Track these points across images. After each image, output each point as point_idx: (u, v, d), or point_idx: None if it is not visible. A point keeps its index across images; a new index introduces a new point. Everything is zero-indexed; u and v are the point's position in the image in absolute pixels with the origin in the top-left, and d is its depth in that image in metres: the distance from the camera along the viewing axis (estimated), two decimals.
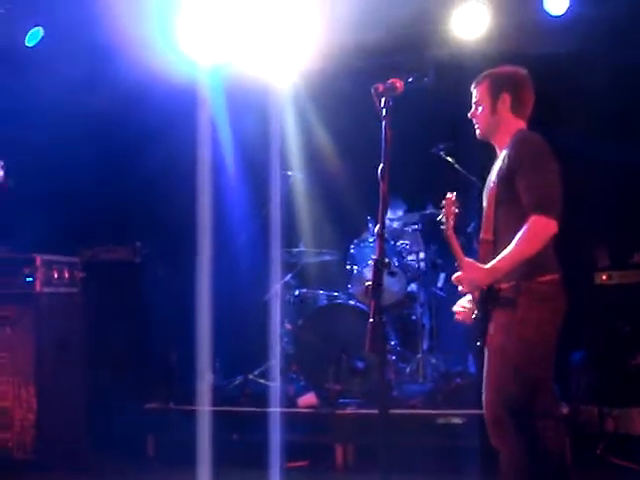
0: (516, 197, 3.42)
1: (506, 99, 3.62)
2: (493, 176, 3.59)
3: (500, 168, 3.52)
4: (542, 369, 3.42)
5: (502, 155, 3.57)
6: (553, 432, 3.41)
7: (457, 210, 3.63)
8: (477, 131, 3.74)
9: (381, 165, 3.13)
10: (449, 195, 3.67)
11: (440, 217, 3.65)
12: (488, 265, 3.40)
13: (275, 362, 6.33)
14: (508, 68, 3.74)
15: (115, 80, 6.16)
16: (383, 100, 3.27)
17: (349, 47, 6.44)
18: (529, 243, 3.32)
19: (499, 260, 3.36)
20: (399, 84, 3.32)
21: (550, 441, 3.39)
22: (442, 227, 3.63)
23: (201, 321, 6.37)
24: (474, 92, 3.74)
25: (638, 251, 5.45)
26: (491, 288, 3.44)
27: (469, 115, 3.75)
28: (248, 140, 7.01)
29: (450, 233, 3.59)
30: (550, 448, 3.39)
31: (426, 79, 6.63)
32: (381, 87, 3.30)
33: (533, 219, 3.31)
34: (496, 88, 3.65)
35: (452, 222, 3.61)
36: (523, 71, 3.72)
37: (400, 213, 6.91)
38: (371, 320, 2.88)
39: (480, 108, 3.68)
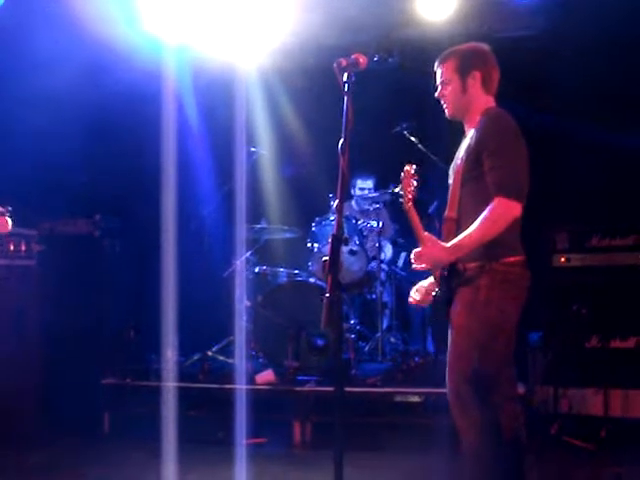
0: (482, 176, 3.39)
1: (477, 76, 3.55)
2: (461, 153, 3.55)
3: (468, 146, 3.49)
4: (505, 348, 3.42)
5: (470, 133, 3.53)
6: (510, 411, 3.43)
7: (416, 182, 3.59)
8: (446, 111, 3.65)
9: (341, 140, 3.09)
10: (407, 167, 3.63)
11: (398, 189, 3.61)
12: (449, 243, 3.38)
13: (234, 339, 6.32)
14: (473, 45, 3.66)
15: (78, 58, 6.05)
16: (345, 75, 3.22)
17: (316, 25, 6.40)
18: (492, 224, 3.31)
19: (460, 239, 3.34)
20: (362, 59, 3.25)
21: (507, 420, 3.40)
22: (401, 200, 3.58)
23: (161, 297, 6.36)
24: (439, 71, 3.64)
25: (597, 234, 5.49)
26: (455, 267, 3.42)
27: (436, 95, 3.66)
28: (213, 117, 6.97)
29: (409, 206, 3.55)
30: (507, 427, 3.41)
31: (391, 59, 6.64)
32: (344, 62, 3.23)
33: (497, 200, 3.29)
34: (465, 65, 3.57)
35: (411, 195, 3.57)
36: (486, 47, 3.65)
37: (370, 185, 6.94)
38: (327, 295, 2.86)
39: (449, 87, 3.59)
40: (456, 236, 3.41)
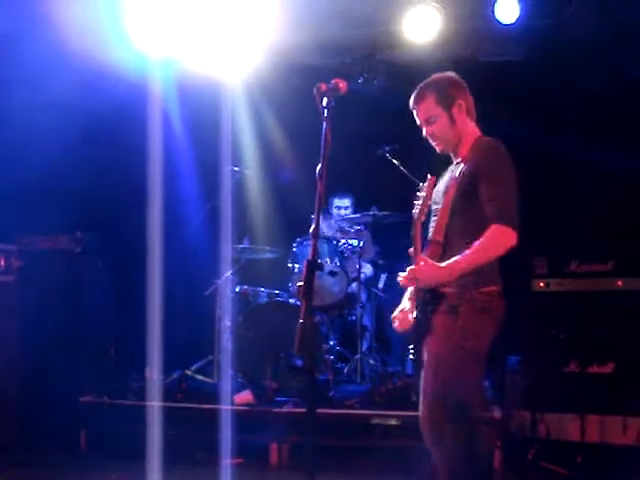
0: (474, 203, 3.40)
1: (462, 105, 3.56)
2: (451, 179, 3.53)
3: (460, 172, 3.48)
4: (477, 374, 3.45)
5: (463, 158, 3.53)
6: (484, 436, 3.44)
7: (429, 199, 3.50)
8: (437, 148, 3.63)
9: (319, 166, 3.10)
10: (429, 177, 3.53)
11: (418, 199, 3.48)
12: (444, 263, 3.36)
13: (213, 358, 6.31)
14: (444, 75, 3.64)
15: (63, 72, 6.06)
16: (325, 100, 3.24)
17: (301, 45, 6.44)
18: (488, 251, 3.32)
19: (456, 261, 3.33)
20: (342, 84, 3.27)
21: (481, 445, 3.42)
22: (414, 210, 3.48)
23: (142, 314, 6.32)
24: (418, 111, 3.60)
25: (575, 260, 5.51)
26: (435, 291, 3.43)
27: (424, 135, 3.62)
28: (198, 134, 6.98)
29: (420, 220, 3.46)
30: (480, 452, 3.42)
31: (375, 81, 6.69)
32: (324, 87, 3.25)
33: (496, 228, 3.31)
34: (446, 97, 3.55)
35: (426, 208, 3.48)
36: (454, 75, 3.65)
37: (349, 206, 6.96)
38: (301, 321, 2.87)
39: (436, 123, 3.56)
40: (441, 259, 3.42)
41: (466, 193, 3.44)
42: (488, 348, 3.45)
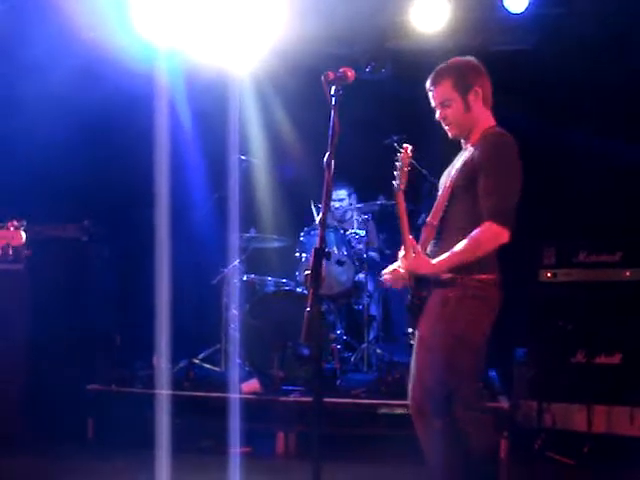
0: (473, 193, 3.40)
1: (478, 92, 3.52)
2: (456, 166, 3.53)
3: (465, 162, 3.47)
4: (470, 363, 3.42)
5: (470, 149, 3.51)
6: (475, 426, 3.41)
7: (411, 165, 3.53)
8: (449, 132, 3.60)
9: (327, 154, 3.10)
10: (406, 146, 3.54)
11: (396, 169, 3.51)
12: (434, 261, 3.39)
13: (221, 347, 6.32)
14: (465, 60, 3.60)
15: (70, 62, 6.06)
16: (333, 89, 3.23)
17: (309, 35, 6.42)
18: (478, 247, 3.33)
19: (446, 258, 3.36)
20: (350, 73, 3.26)
21: (472, 435, 3.40)
22: (394, 183, 3.49)
23: (149, 303, 6.33)
24: (434, 92, 3.56)
25: (583, 250, 5.50)
26: (428, 278, 3.44)
27: (437, 118, 3.59)
28: (205, 124, 6.97)
29: (400, 193, 3.48)
30: (473, 442, 3.40)
31: (383, 70, 6.66)
32: (331, 75, 3.23)
33: (488, 225, 3.30)
34: (464, 82, 3.51)
35: (405, 177, 3.49)
36: (476, 61, 3.60)
37: (345, 197, 6.94)
38: (308, 309, 2.87)
39: (451, 108, 3.53)
40: (435, 243, 3.47)
41: (466, 182, 3.44)
42: (486, 338, 3.43)
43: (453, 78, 3.53)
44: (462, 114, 3.53)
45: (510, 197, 3.37)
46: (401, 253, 3.58)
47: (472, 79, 3.54)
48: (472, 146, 3.51)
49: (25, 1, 6.01)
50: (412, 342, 3.53)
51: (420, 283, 3.47)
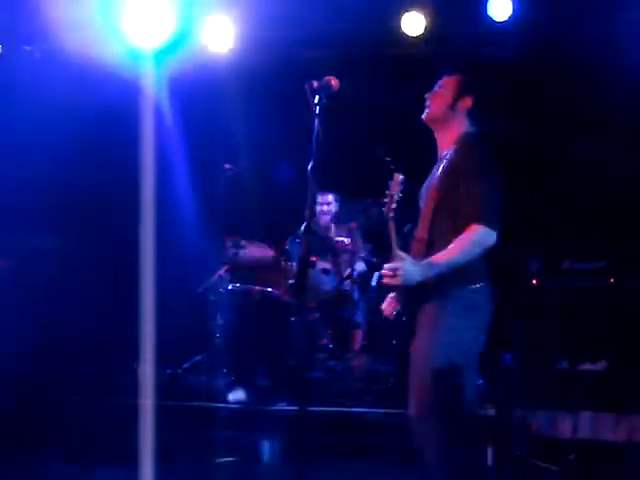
0: (456, 202, 3.40)
1: (468, 102, 3.59)
2: (437, 175, 3.54)
3: (444, 169, 3.49)
4: (466, 371, 3.43)
5: (446, 156, 3.53)
6: (476, 434, 3.44)
7: (401, 194, 3.54)
8: (425, 112, 3.65)
9: (311, 163, 3.10)
10: (396, 175, 3.58)
11: (386, 197, 3.52)
12: (423, 262, 3.37)
13: (205, 356, 6.29)
14: (477, 69, 3.74)
15: (56, 64, 6.04)
16: (317, 97, 3.23)
17: (295, 41, 6.43)
18: (467, 251, 3.32)
19: (434, 259, 3.34)
20: (334, 82, 3.28)
21: (471, 443, 3.41)
22: (383, 209, 3.52)
23: (134, 311, 6.29)
24: (443, 78, 3.67)
25: (569, 258, 5.52)
26: (420, 289, 3.41)
27: (426, 94, 3.67)
28: (190, 133, 6.96)
29: (390, 216, 3.50)
30: (470, 450, 3.41)
31: (368, 78, 6.67)
32: (315, 84, 3.26)
33: (475, 228, 3.31)
34: (464, 87, 3.61)
35: (394, 204, 3.51)
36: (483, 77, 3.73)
37: (332, 202, 6.94)
38: (293, 319, 2.87)
39: (441, 96, 3.62)
40: (426, 256, 3.41)
41: (448, 192, 3.44)
42: (480, 344, 3.44)
43: (461, 78, 3.64)
44: (445, 106, 3.60)
45: (493, 198, 3.39)
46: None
47: (471, 89, 3.63)
48: (448, 153, 3.54)
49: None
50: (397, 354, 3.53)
51: (412, 296, 3.45)
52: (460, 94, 3.59)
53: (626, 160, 5.96)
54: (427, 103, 3.66)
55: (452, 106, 3.59)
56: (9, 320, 5.73)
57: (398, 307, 3.55)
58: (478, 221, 3.32)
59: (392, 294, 3.67)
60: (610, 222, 5.98)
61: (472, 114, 3.64)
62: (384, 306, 3.72)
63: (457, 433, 3.36)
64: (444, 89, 3.63)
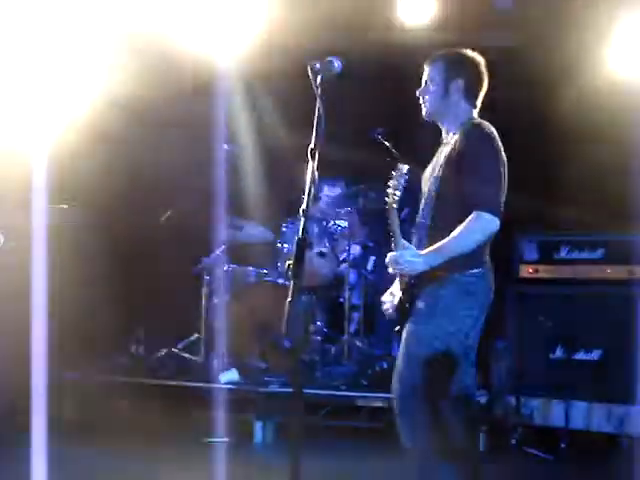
0: (460, 188, 3.37)
1: (460, 84, 3.54)
2: (440, 161, 3.51)
3: (448, 155, 3.46)
4: (459, 357, 3.42)
5: (451, 141, 3.50)
6: (467, 420, 3.43)
7: (405, 184, 3.54)
8: (423, 110, 3.63)
9: (312, 144, 3.08)
10: (400, 165, 3.50)
11: (389, 187, 3.44)
12: (426, 251, 3.35)
13: (200, 337, 6.29)
14: (465, 52, 3.61)
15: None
16: (319, 78, 3.21)
17: (295, 26, 6.39)
18: (470, 237, 3.30)
19: (437, 247, 3.32)
20: (337, 63, 3.24)
21: (461, 428, 3.40)
22: (386, 198, 3.45)
23: (128, 291, 6.31)
24: (427, 69, 3.62)
25: (565, 246, 5.53)
26: (419, 275, 3.39)
27: (417, 93, 3.63)
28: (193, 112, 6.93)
29: (392, 207, 3.43)
30: (459, 435, 3.40)
31: (369, 64, 6.64)
32: (318, 65, 3.23)
33: (478, 214, 3.28)
34: (451, 71, 3.54)
35: (397, 195, 3.43)
36: (479, 57, 3.61)
37: (339, 191, 6.93)
38: (289, 301, 2.86)
39: (431, 88, 3.58)
40: (429, 242, 3.40)
41: (452, 178, 3.42)
42: (477, 330, 3.43)
43: (444, 63, 3.57)
44: (438, 98, 3.56)
45: (496, 185, 3.37)
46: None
47: (459, 70, 3.56)
48: (452, 138, 3.52)
49: None
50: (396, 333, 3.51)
51: (411, 281, 3.44)
52: (447, 79, 3.55)
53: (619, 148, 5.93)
54: (421, 101, 3.64)
55: (443, 94, 3.55)
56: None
57: (399, 296, 3.53)
58: (479, 208, 3.31)
59: (391, 289, 3.66)
60: (608, 211, 5.97)
61: (471, 95, 3.59)
62: (384, 300, 3.69)
63: (444, 418, 3.36)
64: (430, 80, 3.60)
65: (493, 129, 3.47)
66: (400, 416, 3.45)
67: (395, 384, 3.45)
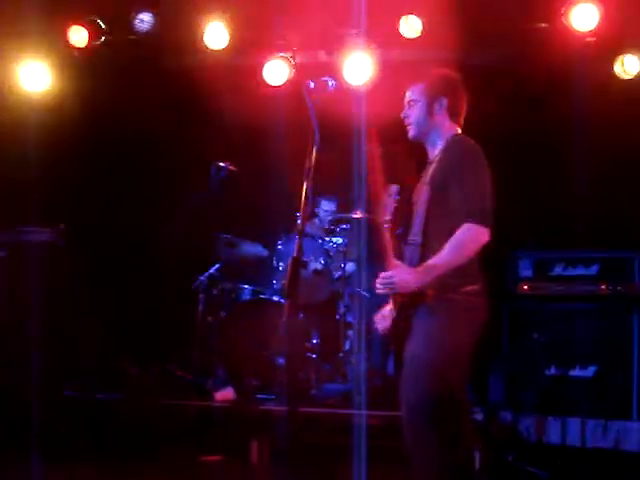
0: (449, 201, 3.40)
1: (444, 103, 3.59)
2: (427, 178, 3.55)
3: (434, 171, 3.50)
4: (459, 376, 3.43)
5: (436, 158, 3.54)
6: (466, 438, 3.43)
7: (396, 204, 3.56)
8: (409, 131, 3.67)
9: (307, 164, 3.09)
10: (391, 186, 3.59)
11: (383, 208, 3.53)
12: (419, 268, 3.37)
13: (195, 354, 6.27)
14: (445, 71, 3.69)
15: None
16: (314, 97, 3.23)
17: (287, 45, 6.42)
18: (462, 250, 3.32)
19: (430, 263, 3.33)
20: (331, 82, 3.28)
21: (463, 447, 3.41)
22: (376, 218, 3.55)
23: (123, 309, 6.29)
24: (408, 91, 3.67)
25: (560, 263, 5.53)
26: (414, 294, 3.41)
27: (402, 114, 3.68)
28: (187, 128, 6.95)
29: (384, 226, 3.50)
30: (461, 454, 3.41)
31: (362, 79, 6.66)
32: (312, 84, 3.26)
33: (467, 227, 3.30)
34: (434, 90, 3.60)
35: (388, 214, 3.51)
36: (458, 76, 3.68)
37: (332, 208, 6.94)
38: (284, 319, 2.86)
39: (414, 108, 3.62)
40: (420, 260, 3.40)
41: (440, 194, 3.45)
42: (471, 348, 3.43)
43: (426, 83, 3.64)
44: (422, 118, 3.61)
45: (485, 197, 3.39)
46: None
47: (442, 89, 3.62)
48: (435, 158, 3.54)
49: None
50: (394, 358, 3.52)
51: (406, 301, 3.44)
52: (430, 98, 3.60)
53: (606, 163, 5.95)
54: (406, 122, 3.67)
55: (427, 113, 3.60)
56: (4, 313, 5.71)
57: (393, 315, 3.53)
58: (469, 219, 3.32)
59: (384, 308, 3.66)
60: (602, 227, 5.99)
61: (455, 113, 3.64)
62: (377, 320, 3.69)
63: (449, 438, 3.36)
64: (412, 100, 3.64)
65: (476, 144, 3.50)
66: (410, 438, 3.44)
67: (403, 409, 3.45)
